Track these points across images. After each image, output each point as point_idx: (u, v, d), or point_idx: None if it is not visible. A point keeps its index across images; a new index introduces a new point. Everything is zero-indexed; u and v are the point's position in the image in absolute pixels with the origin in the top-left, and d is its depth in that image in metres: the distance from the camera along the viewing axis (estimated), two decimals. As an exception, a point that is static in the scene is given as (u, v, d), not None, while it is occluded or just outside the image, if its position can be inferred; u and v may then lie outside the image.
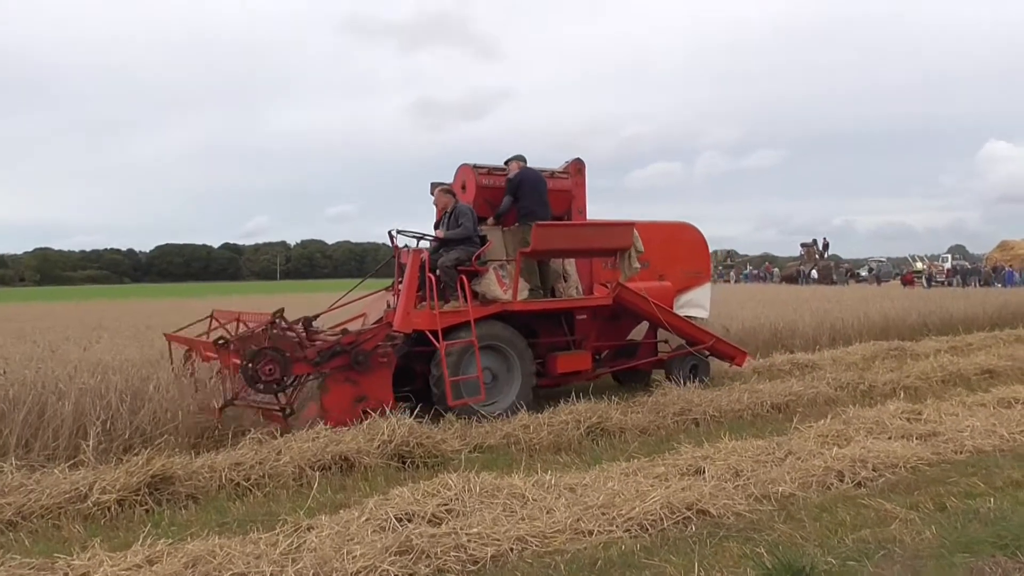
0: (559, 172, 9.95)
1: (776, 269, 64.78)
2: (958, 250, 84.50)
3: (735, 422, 8.24)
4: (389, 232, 9.07)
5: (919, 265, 54.41)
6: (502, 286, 8.73)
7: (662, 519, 4.95)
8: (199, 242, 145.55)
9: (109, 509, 5.43)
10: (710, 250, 11.68)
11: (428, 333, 8.11)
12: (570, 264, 9.80)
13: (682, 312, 10.39)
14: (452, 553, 4.41)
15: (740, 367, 10.62)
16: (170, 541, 4.60)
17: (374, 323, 8.54)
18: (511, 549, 4.53)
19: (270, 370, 7.22)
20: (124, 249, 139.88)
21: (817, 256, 56.38)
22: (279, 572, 4.13)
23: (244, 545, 4.49)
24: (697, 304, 10.71)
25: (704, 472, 5.89)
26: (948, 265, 55.11)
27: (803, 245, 59.02)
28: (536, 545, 4.59)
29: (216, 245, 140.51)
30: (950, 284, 42.99)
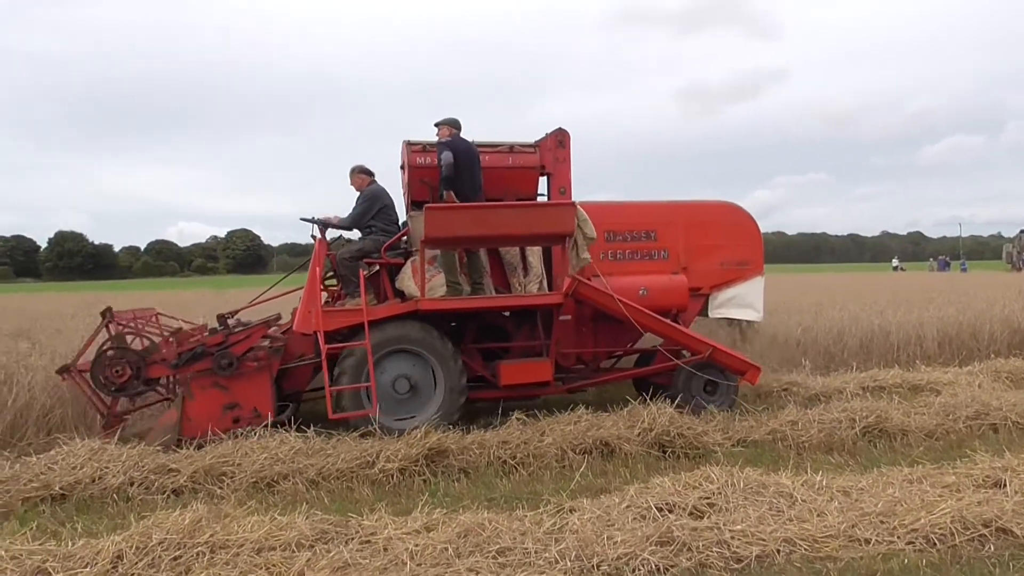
0: (521, 146, 8.31)
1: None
2: None
3: (1044, 430, 7.22)
4: (307, 219, 7.88)
5: None
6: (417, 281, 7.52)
7: (953, 534, 4.46)
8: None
9: (392, 476, 5.96)
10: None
11: (318, 336, 7.05)
12: (533, 254, 8.18)
13: (720, 313, 8.55)
14: (715, 548, 4.31)
15: (753, 385, 7.99)
16: (445, 511, 4.95)
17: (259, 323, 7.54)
18: (778, 551, 4.33)
19: (118, 372, 6.85)
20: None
21: None
22: (543, 550, 4.27)
23: (511, 521, 4.70)
24: (743, 303, 8.53)
25: (1005, 485, 5.21)
26: None
27: None
28: (805, 549, 4.35)
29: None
30: None
